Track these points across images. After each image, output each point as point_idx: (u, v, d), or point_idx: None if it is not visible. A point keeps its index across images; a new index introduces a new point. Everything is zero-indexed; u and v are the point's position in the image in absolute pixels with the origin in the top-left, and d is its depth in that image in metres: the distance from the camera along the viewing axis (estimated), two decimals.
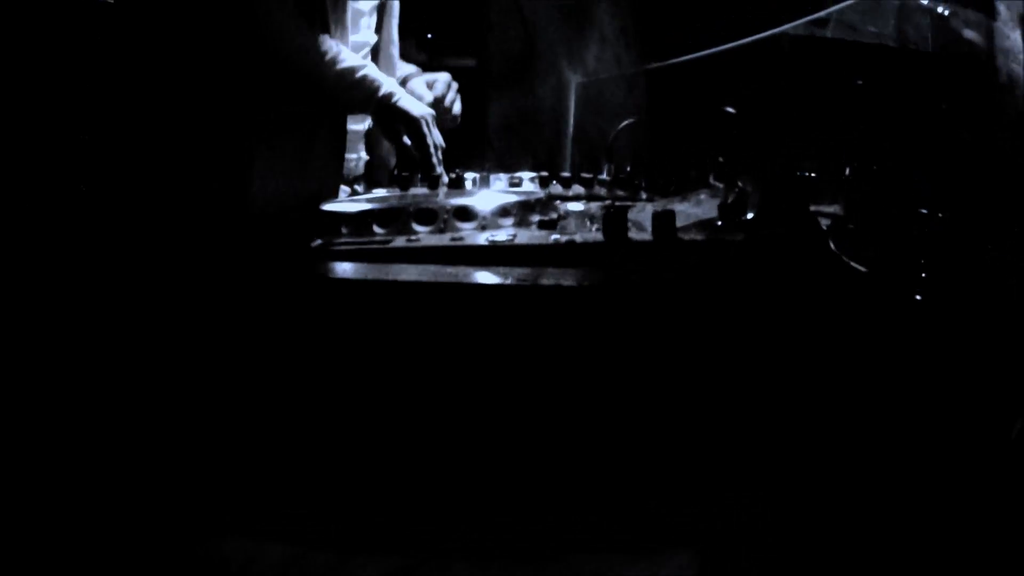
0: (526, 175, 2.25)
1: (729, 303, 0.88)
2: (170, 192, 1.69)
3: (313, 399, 0.91)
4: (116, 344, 0.98)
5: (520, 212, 1.17)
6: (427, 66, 3.09)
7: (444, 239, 1.03)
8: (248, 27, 1.82)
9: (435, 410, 0.84)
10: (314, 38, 1.86)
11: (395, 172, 2.02)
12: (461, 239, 1.02)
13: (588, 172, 2.36)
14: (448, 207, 1.14)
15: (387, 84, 1.94)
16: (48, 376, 0.99)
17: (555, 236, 1.00)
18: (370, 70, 1.93)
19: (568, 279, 0.84)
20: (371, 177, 2.18)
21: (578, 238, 0.98)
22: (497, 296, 0.83)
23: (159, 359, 0.97)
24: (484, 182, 1.74)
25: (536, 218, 1.16)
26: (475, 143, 2.94)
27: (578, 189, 1.83)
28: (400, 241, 1.03)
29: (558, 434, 0.83)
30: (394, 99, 1.91)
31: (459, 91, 2.23)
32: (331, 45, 1.88)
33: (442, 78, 2.24)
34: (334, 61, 1.87)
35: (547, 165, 2.72)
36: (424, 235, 1.07)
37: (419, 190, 1.79)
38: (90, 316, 1.01)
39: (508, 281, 0.83)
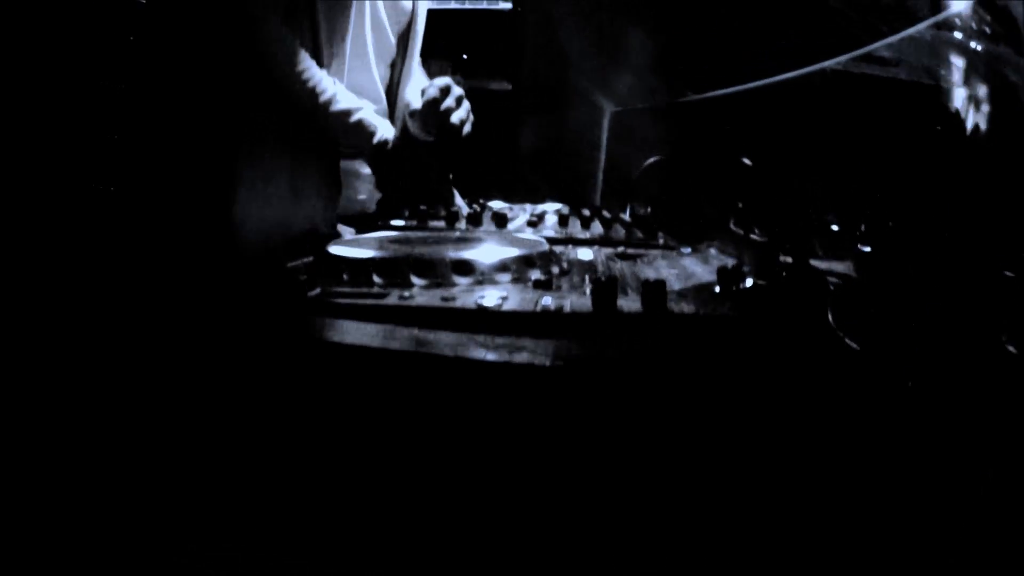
0: (550, 207, 2.24)
1: (711, 388, 0.87)
2: (148, 211, 1.69)
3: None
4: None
5: (519, 267, 1.17)
6: (462, 86, 3.11)
7: (435, 298, 1.03)
8: (243, 54, 1.78)
9: (386, 494, 0.83)
10: (308, 73, 1.83)
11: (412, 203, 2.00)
12: (452, 299, 1.02)
13: (615, 206, 2.35)
14: (447, 260, 1.14)
15: (380, 127, 1.92)
16: None
17: (546, 300, 1.00)
18: (363, 113, 1.89)
19: (541, 355, 0.83)
20: (385, 213, 2.14)
21: (567, 305, 0.97)
22: (467, 371, 0.82)
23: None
24: (500, 221, 1.74)
25: (535, 275, 1.15)
26: (507, 167, 2.95)
27: (597, 229, 1.82)
28: (394, 298, 1.03)
29: (518, 528, 0.82)
30: (389, 147, 1.92)
31: (460, 98, 2.08)
32: (325, 85, 1.84)
33: (437, 82, 2.06)
34: (329, 102, 1.84)
35: (574, 196, 2.72)
36: (419, 290, 1.07)
37: (437, 222, 1.79)
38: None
39: (480, 356, 0.82)
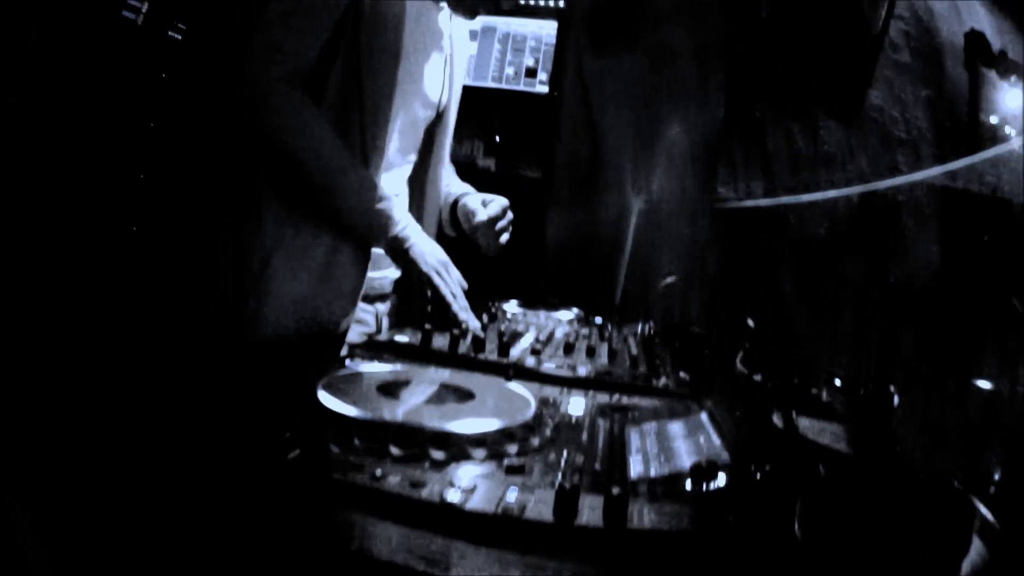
0: (564, 316, 2.25)
1: None
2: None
3: None
4: None
5: (499, 441, 1.18)
6: (492, 173, 3.14)
7: (406, 481, 1.04)
8: (259, 125, 1.79)
9: None
10: (334, 152, 1.81)
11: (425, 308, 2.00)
12: (421, 484, 1.03)
13: (631, 311, 2.35)
14: (426, 431, 1.15)
15: (402, 224, 1.90)
16: None
17: (512, 494, 1.01)
18: (388, 204, 1.87)
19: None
20: (400, 294, 2.15)
21: (531, 504, 0.98)
22: None
23: None
24: (504, 348, 1.74)
25: (512, 454, 1.16)
26: (531, 257, 2.97)
27: (602, 358, 1.82)
28: (365, 477, 1.04)
29: None
30: (407, 244, 1.88)
31: (512, 221, 2.21)
32: (353, 168, 1.83)
33: (499, 200, 2.19)
34: (355, 185, 1.83)
35: (596, 291, 2.72)
36: (390, 469, 1.09)
37: (442, 340, 1.79)
38: None
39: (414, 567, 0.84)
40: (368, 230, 1.87)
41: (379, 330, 2.07)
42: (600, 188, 3.04)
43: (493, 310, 2.22)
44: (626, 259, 2.91)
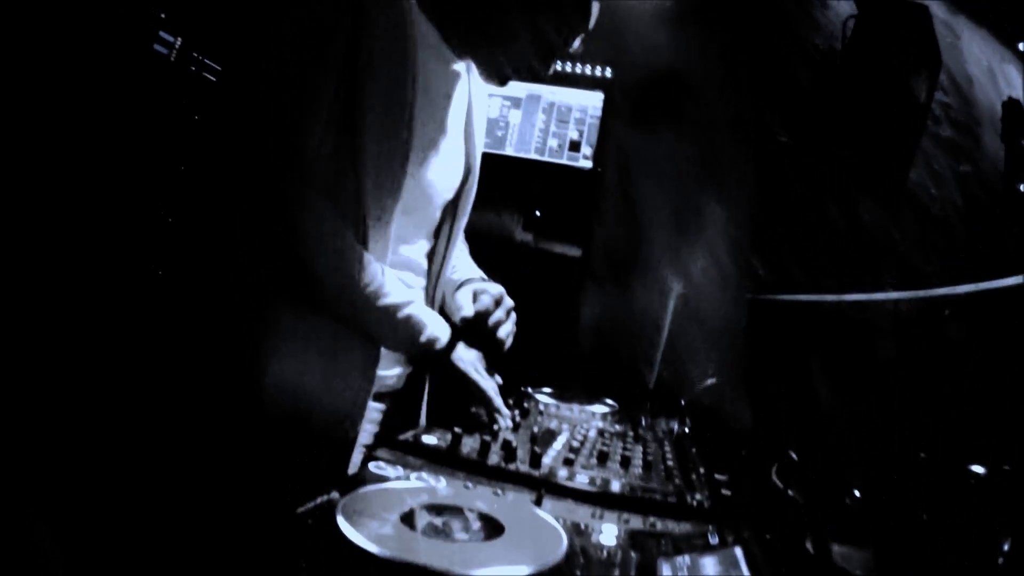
0: (599, 410, 2.19)
1: None
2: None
3: None
4: None
5: None
6: (530, 248, 3.09)
7: None
8: (275, 231, 1.68)
9: None
10: (353, 261, 1.69)
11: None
12: None
13: (667, 400, 2.28)
14: None
15: (431, 327, 1.80)
16: None
17: None
18: (414, 309, 1.77)
19: None
20: (409, 392, 2.03)
21: None
22: None
23: None
24: (534, 459, 1.67)
25: None
26: (567, 338, 2.91)
27: (636, 468, 1.75)
28: None
29: None
30: (436, 346, 1.79)
31: (510, 311, 2.03)
32: (373, 274, 1.72)
33: (492, 290, 2.00)
34: (376, 295, 1.72)
35: (631, 379, 2.66)
36: None
37: (471, 442, 1.72)
38: None
39: None
40: (395, 344, 1.79)
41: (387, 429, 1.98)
42: (638, 268, 2.98)
43: (526, 404, 2.15)
44: (663, 343, 2.85)
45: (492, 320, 1.91)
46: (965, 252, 3.05)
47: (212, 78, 3.37)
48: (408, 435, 1.70)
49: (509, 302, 1.97)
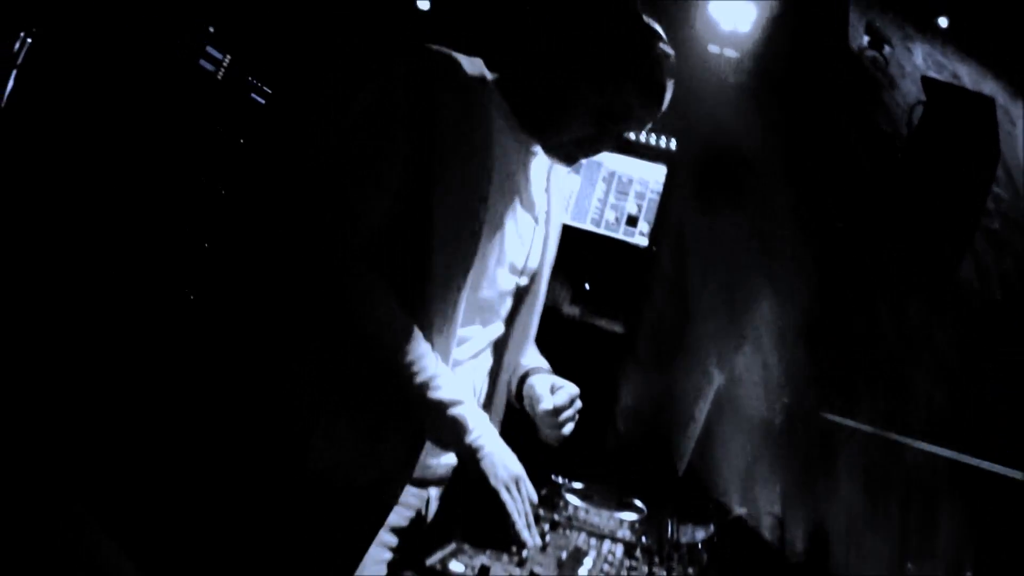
0: (627, 517, 2.14)
1: None
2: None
3: None
4: None
5: None
6: (576, 322, 3.04)
7: None
8: (330, 301, 1.64)
9: None
10: (406, 348, 1.63)
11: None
12: None
13: (696, 496, 2.23)
14: None
15: (476, 431, 1.71)
16: None
17: None
18: (462, 410, 1.68)
19: None
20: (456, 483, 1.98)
21: None
22: None
23: None
24: (574, 560, 1.62)
25: None
26: (602, 421, 2.85)
27: None
28: None
29: None
30: (479, 454, 1.69)
31: (578, 411, 1.92)
32: (425, 364, 1.65)
33: (569, 389, 1.92)
34: (426, 385, 1.64)
35: (661, 469, 2.60)
36: None
37: (499, 570, 1.67)
38: None
39: None
40: (437, 437, 1.73)
41: (426, 518, 1.93)
42: (682, 354, 2.92)
43: (556, 515, 2.10)
44: (697, 433, 2.79)
45: (563, 417, 1.84)
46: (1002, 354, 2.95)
47: (261, 101, 3.30)
48: (436, 559, 1.65)
49: (579, 402, 1.90)
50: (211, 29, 3.12)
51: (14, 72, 2.89)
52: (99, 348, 2.94)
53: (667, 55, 1.79)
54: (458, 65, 1.75)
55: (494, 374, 1.96)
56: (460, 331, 1.76)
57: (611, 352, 2.93)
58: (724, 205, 2.97)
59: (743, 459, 2.58)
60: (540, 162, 1.92)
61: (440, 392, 1.65)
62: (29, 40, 2.88)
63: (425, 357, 1.65)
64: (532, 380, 1.98)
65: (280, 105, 3.33)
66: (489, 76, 1.84)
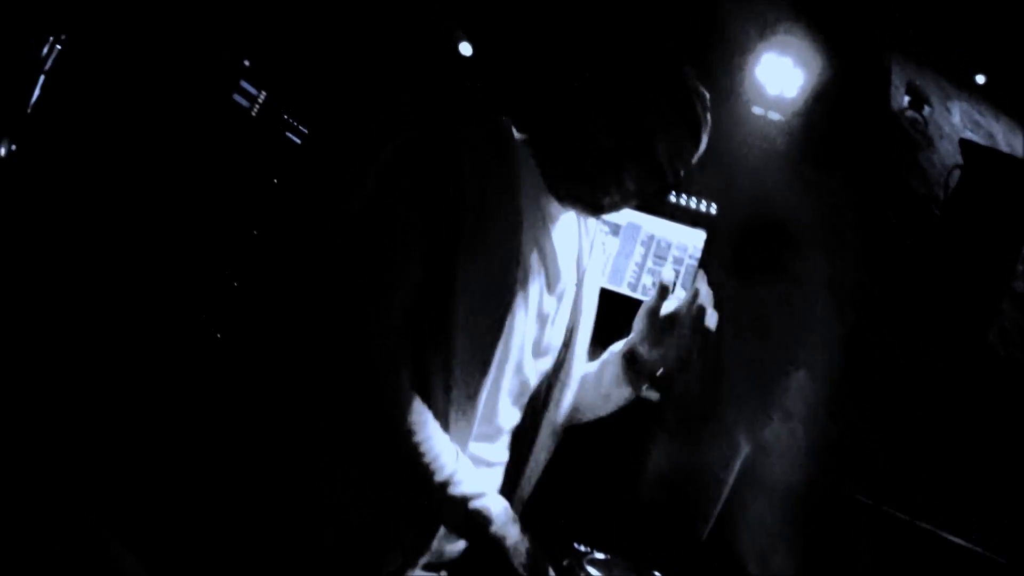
0: None
1: None
2: None
3: None
4: None
5: None
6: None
7: None
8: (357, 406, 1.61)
9: None
10: (427, 444, 1.60)
11: None
12: None
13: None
14: None
15: (497, 522, 1.67)
16: None
17: None
18: (484, 502, 1.65)
19: None
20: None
21: None
22: None
23: None
24: None
25: None
26: (625, 487, 2.87)
27: None
28: None
29: None
30: (501, 545, 1.66)
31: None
32: (445, 461, 1.62)
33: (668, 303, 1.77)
34: (447, 483, 1.62)
35: (680, 540, 2.63)
36: None
37: None
38: None
39: None
40: (458, 531, 1.74)
41: None
42: (712, 422, 2.94)
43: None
44: (723, 500, 2.82)
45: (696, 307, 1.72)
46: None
47: (297, 141, 3.24)
48: None
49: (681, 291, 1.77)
50: (246, 62, 3.04)
51: (42, 78, 2.86)
52: (125, 384, 2.96)
53: (703, 94, 1.70)
54: (483, 135, 1.69)
55: (518, 457, 1.93)
56: (482, 415, 1.70)
57: (641, 418, 2.95)
58: (761, 273, 2.97)
59: (766, 531, 2.61)
60: (571, 226, 1.84)
61: (461, 487, 1.63)
62: (58, 47, 2.85)
63: (444, 453, 1.62)
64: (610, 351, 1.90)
65: (316, 147, 3.28)
66: (518, 136, 1.77)
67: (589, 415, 2.01)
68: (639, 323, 1.83)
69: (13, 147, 2.86)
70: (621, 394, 1.91)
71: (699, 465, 2.85)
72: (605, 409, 1.97)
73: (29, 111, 2.88)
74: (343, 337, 1.60)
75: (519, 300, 1.69)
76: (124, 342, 2.99)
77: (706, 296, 1.73)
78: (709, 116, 1.75)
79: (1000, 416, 2.84)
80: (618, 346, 1.90)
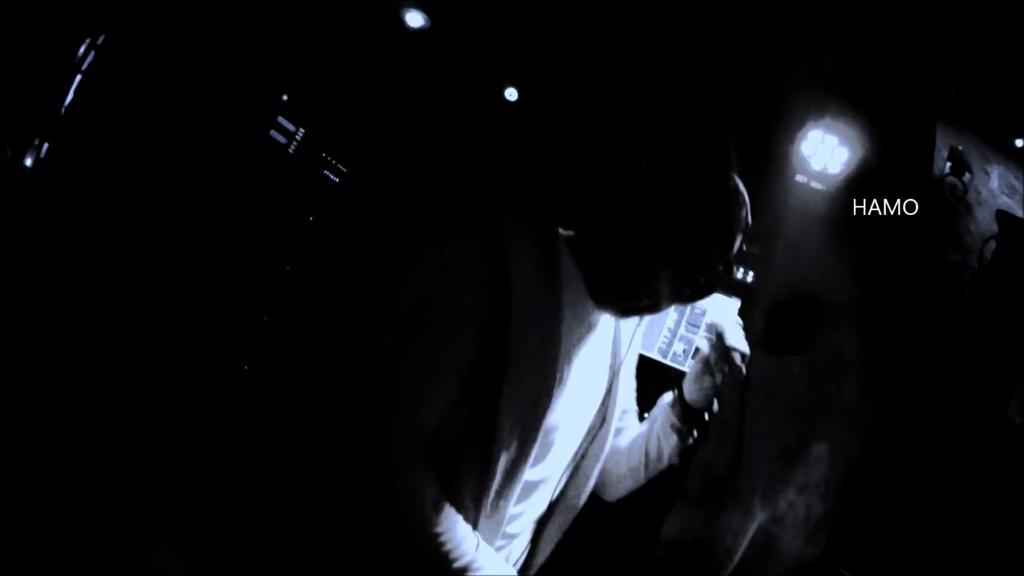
0: None
1: None
2: None
3: None
4: None
5: None
6: None
7: None
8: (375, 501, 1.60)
9: None
10: (447, 535, 1.60)
11: None
12: None
13: None
14: None
15: None
16: None
17: None
18: None
19: None
20: None
21: None
22: None
23: None
24: None
25: None
26: (643, 553, 2.88)
27: None
28: None
29: None
30: None
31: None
32: (467, 547, 1.62)
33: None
34: (465, 570, 1.61)
35: None
36: None
37: None
38: None
39: None
40: None
41: None
42: (731, 493, 2.94)
43: None
44: (732, 567, 2.83)
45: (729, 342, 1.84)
46: None
47: (335, 179, 3.18)
48: None
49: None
50: (284, 97, 2.99)
51: (78, 77, 2.83)
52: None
53: (746, 200, 1.71)
54: (530, 242, 1.67)
55: (536, 534, 1.92)
56: (512, 510, 1.72)
57: (658, 487, 2.95)
58: (793, 349, 2.96)
59: None
60: (608, 325, 1.85)
61: (481, 573, 1.64)
62: (93, 52, 2.83)
63: (464, 541, 1.64)
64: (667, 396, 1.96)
65: (354, 186, 3.24)
66: (562, 233, 1.74)
67: (636, 479, 2.02)
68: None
69: (44, 151, 2.86)
70: (670, 443, 1.95)
71: (713, 531, 2.85)
72: (656, 467, 1.98)
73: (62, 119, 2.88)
74: (370, 444, 1.60)
75: (559, 406, 1.68)
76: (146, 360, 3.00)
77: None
78: (750, 219, 1.74)
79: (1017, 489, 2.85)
80: (667, 397, 1.95)
